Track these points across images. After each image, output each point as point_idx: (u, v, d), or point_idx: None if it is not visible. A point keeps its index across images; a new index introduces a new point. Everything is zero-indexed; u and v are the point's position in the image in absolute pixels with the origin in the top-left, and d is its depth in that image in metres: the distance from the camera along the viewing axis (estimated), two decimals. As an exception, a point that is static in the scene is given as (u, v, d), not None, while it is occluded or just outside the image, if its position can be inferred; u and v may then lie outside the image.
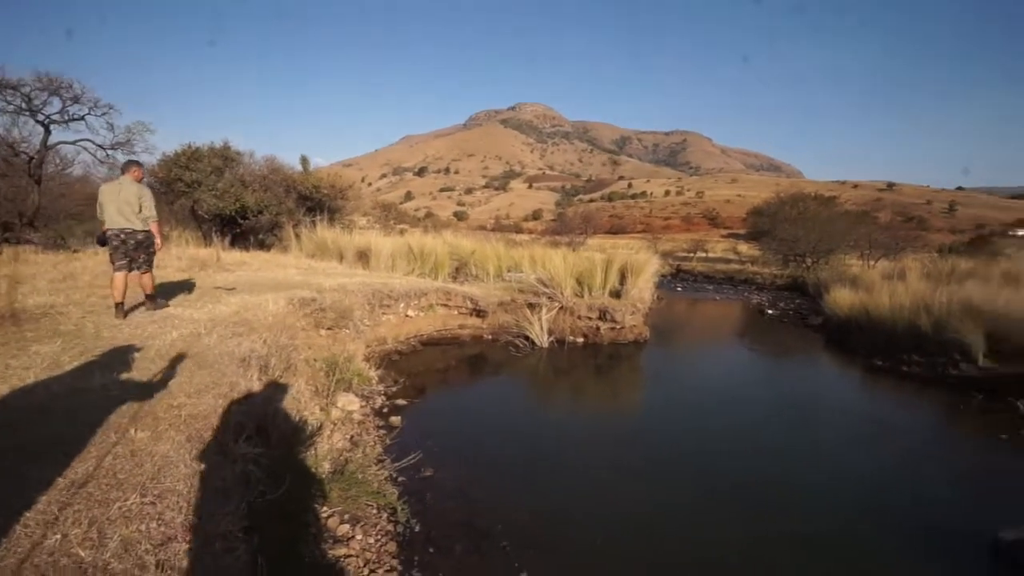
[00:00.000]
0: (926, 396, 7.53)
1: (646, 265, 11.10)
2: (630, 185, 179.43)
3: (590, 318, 10.12)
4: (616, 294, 10.71)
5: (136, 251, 5.26)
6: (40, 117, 12.80)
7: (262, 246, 15.00)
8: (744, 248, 37.82)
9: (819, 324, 13.33)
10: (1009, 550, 3.54)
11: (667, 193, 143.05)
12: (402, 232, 21.14)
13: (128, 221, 5.22)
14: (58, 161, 14.89)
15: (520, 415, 6.53)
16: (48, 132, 13.10)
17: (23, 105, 12.61)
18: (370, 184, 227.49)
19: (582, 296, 10.45)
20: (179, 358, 3.79)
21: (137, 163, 5.76)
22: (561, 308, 9.98)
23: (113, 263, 5.23)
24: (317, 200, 16.46)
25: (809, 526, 4.01)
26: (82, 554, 1.71)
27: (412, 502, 3.78)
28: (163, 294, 6.48)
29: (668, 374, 9.05)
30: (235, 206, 14.10)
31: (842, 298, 12.62)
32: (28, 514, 1.90)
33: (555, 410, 6.99)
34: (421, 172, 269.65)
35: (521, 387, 7.81)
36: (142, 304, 5.66)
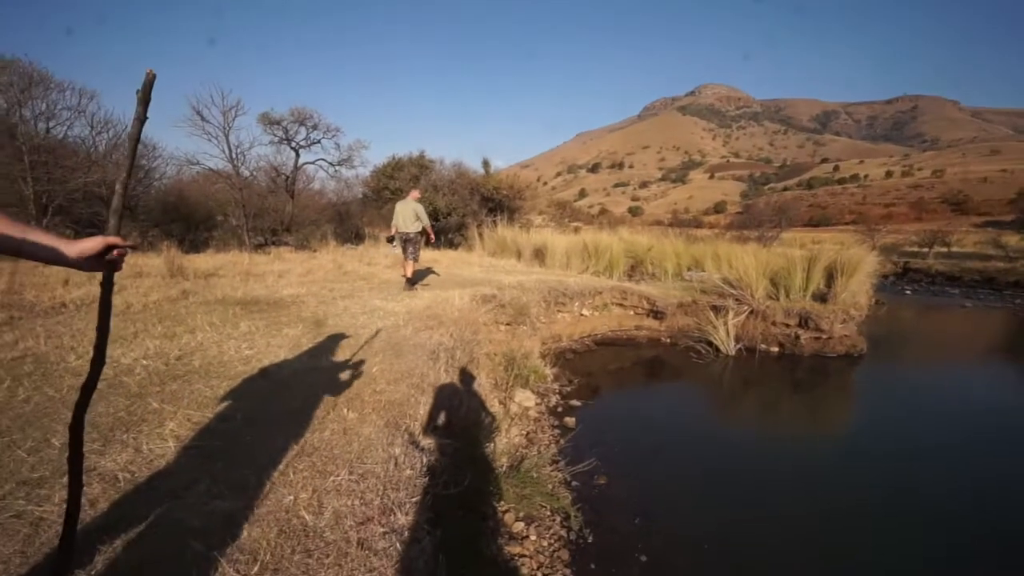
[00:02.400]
0: None
1: (860, 263, 9.19)
2: (836, 168, 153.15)
3: (787, 324, 8.77)
4: (821, 297, 9.11)
5: (408, 245, 7.58)
6: (293, 144, 16.12)
7: (451, 245, 16.60)
8: (1013, 240, 28.88)
9: None
10: None
11: (889, 174, 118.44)
12: (576, 230, 21.31)
13: (407, 227, 7.53)
14: (304, 178, 18.65)
15: (703, 429, 5.93)
16: (298, 155, 16.44)
17: (283, 136, 16.01)
18: (545, 183, 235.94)
19: (777, 299, 9.12)
20: (382, 347, 4.30)
21: (415, 188, 8.26)
22: (751, 312, 8.85)
23: (404, 254, 7.71)
24: (498, 201, 17.58)
25: None
26: (307, 518, 1.98)
27: (586, 510, 3.66)
28: (373, 289, 7.54)
29: (891, 396, 7.27)
30: (429, 209, 15.87)
31: None
32: (274, 474, 2.28)
33: (744, 427, 6.18)
34: (595, 168, 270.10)
35: (703, 398, 7.13)
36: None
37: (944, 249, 29.51)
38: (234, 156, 14.76)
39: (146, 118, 1.07)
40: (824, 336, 8.52)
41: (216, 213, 17.55)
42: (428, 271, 9.97)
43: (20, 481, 2.03)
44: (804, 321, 8.61)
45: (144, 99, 1.05)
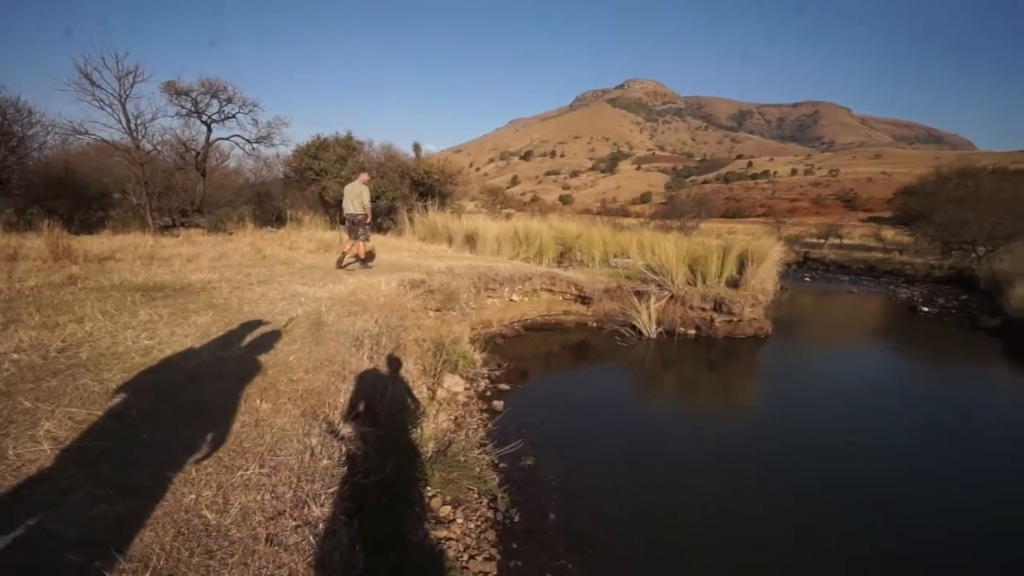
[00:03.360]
0: None
1: (768, 252, 9.99)
2: (750, 164, 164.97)
3: (703, 309, 9.37)
4: (734, 283, 9.81)
5: (356, 227, 7.89)
6: (204, 118, 14.77)
7: (379, 229, 16.03)
8: (890, 234, 32.72)
9: (997, 326, 11.07)
10: None
11: (794, 172, 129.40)
12: (508, 216, 21.38)
13: (354, 209, 7.82)
14: (217, 156, 17.19)
15: (625, 409, 6.22)
16: (210, 130, 15.09)
17: (192, 108, 14.61)
18: (478, 169, 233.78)
19: (695, 285, 9.70)
20: (302, 334, 4.07)
21: (364, 171, 8.85)
22: (671, 297, 9.36)
23: (348, 234, 8.11)
24: (428, 185, 17.19)
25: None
26: (209, 517, 1.83)
27: (513, 491, 3.72)
28: (295, 273, 7.13)
29: (792, 374, 8.05)
30: (358, 192, 15.23)
31: (1032, 295, 10.35)
32: (173, 472, 2.09)
33: (662, 406, 6.56)
34: (527, 156, 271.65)
35: (627, 379, 7.46)
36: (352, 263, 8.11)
37: (837, 241, 32.87)
38: (133, 127, 13.26)
39: None
40: (736, 319, 9.19)
41: (113, 190, 15.74)
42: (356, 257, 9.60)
43: None
44: (718, 305, 9.23)
45: None
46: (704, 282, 9.74)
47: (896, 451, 5.10)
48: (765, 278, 9.80)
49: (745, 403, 6.89)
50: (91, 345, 3.46)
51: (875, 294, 16.72)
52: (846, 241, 33.66)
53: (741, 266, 9.90)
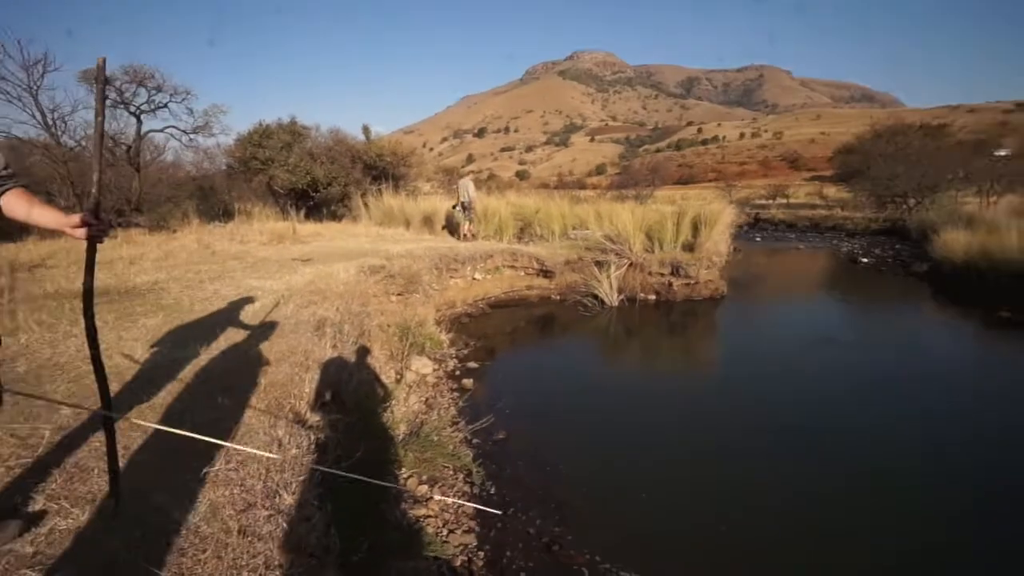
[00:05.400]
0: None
1: (720, 215, 10.34)
2: (700, 130, 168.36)
3: (662, 274, 9.65)
4: (689, 248, 10.11)
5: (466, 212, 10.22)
6: (132, 108, 13.78)
7: (334, 217, 15.56)
8: (831, 191, 34.37)
9: (925, 271, 11.92)
10: None
11: (741, 136, 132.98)
12: (465, 196, 21.10)
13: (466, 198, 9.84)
14: (152, 149, 16.13)
15: (592, 376, 6.39)
16: (140, 122, 14.11)
17: (118, 98, 13.58)
18: (431, 149, 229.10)
19: (652, 251, 9.95)
20: (260, 328, 3.97)
21: (462, 176, 9.26)
22: (631, 265, 9.57)
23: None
24: (381, 168, 16.74)
25: (903, 520, 3.41)
26: (176, 516, 1.80)
27: (487, 465, 3.79)
28: (248, 268, 6.88)
29: (747, 331, 8.47)
30: (306, 179, 14.67)
31: (955, 241, 11.14)
32: (133, 478, 2.02)
33: (627, 370, 6.77)
34: (480, 133, 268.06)
35: (592, 347, 7.64)
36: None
37: (784, 201, 34.26)
38: (51, 122, 12.26)
39: None
40: (692, 282, 9.51)
41: (36, 192, 14.60)
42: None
43: None
44: (676, 270, 9.52)
45: None
46: (661, 248, 10.00)
47: (840, 393, 5.49)
48: (719, 240, 10.14)
49: (705, 361, 7.20)
50: (28, 358, 3.27)
51: (820, 249, 17.60)
52: (792, 201, 35.10)
53: (695, 230, 10.20)
